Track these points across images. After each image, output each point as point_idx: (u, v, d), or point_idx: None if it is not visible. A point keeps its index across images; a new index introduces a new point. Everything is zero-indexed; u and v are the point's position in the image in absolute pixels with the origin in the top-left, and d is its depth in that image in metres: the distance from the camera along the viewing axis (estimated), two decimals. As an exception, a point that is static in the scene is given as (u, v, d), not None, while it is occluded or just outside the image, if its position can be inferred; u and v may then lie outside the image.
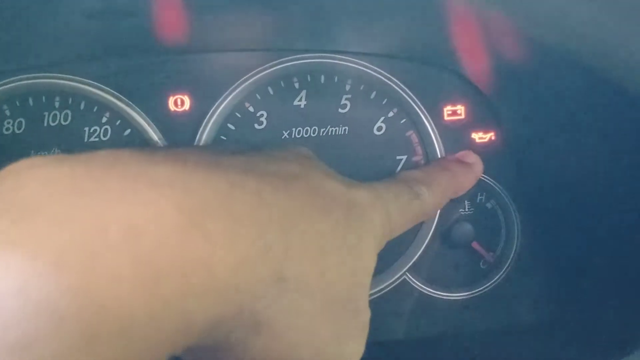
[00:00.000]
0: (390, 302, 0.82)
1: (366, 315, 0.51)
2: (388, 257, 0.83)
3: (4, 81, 0.76)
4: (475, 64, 0.81)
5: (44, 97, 0.77)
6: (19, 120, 0.77)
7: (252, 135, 0.80)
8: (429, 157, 0.82)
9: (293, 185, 0.46)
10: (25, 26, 0.66)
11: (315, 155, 0.58)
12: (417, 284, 0.82)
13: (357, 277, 0.48)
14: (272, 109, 0.80)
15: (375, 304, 0.80)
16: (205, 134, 0.79)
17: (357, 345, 0.50)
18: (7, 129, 0.77)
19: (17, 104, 0.77)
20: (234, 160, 0.46)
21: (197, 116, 0.79)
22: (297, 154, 0.55)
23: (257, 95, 0.80)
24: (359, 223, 0.49)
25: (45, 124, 0.77)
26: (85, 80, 0.77)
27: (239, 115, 0.80)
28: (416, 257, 0.82)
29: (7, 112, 0.77)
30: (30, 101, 0.77)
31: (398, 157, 0.82)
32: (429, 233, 0.82)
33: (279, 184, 0.45)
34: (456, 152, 0.81)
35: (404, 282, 0.82)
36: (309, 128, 0.80)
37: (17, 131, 0.77)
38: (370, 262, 0.50)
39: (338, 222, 0.47)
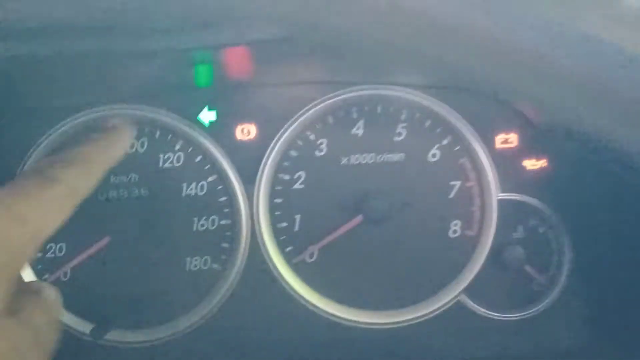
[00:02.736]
0: (444, 323, 0.85)
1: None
2: (442, 278, 0.86)
3: (88, 111, 0.82)
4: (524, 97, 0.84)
5: (121, 126, 0.83)
6: (100, 147, 0.83)
7: (312, 161, 0.85)
8: (482, 183, 0.85)
9: None
10: (114, 65, 0.72)
11: None
12: (472, 305, 0.85)
13: None
14: (332, 136, 0.85)
15: (429, 325, 0.85)
16: (269, 160, 0.84)
17: None
18: (90, 156, 0.83)
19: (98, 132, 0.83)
20: None
21: (262, 144, 0.84)
22: None
23: (317, 124, 0.85)
24: None
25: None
26: (159, 110, 0.83)
27: (300, 143, 0.85)
28: (470, 279, 0.85)
29: (90, 141, 0.83)
30: (111, 130, 0.83)
31: (452, 183, 0.85)
32: (483, 256, 0.85)
33: None
34: (509, 178, 0.84)
35: (458, 303, 0.85)
36: (366, 154, 0.85)
37: (98, 158, 0.83)
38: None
39: None
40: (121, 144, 0.65)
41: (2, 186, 0.46)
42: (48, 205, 0.47)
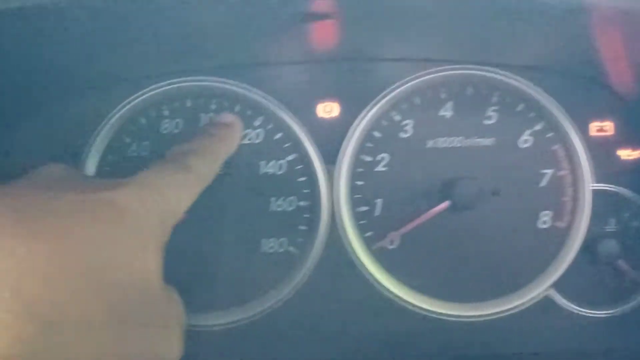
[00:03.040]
0: (531, 318, 0.81)
1: (174, 310, 0.53)
2: (530, 271, 0.81)
3: (165, 82, 0.79)
4: (626, 79, 0.80)
5: (201, 100, 0.80)
6: (176, 120, 0.80)
7: (397, 143, 0.80)
8: (575, 172, 0.81)
9: (40, 233, 0.43)
10: (197, 31, 0.69)
11: (69, 169, 0.55)
12: (560, 300, 0.81)
13: (139, 284, 0.48)
14: (418, 118, 0.81)
15: (517, 319, 0.80)
16: (353, 141, 0.80)
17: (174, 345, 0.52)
18: (165, 129, 0.80)
19: (176, 104, 0.80)
20: None
21: (344, 123, 0.81)
22: (46, 180, 0.52)
23: (403, 104, 0.81)
24: (128, 230, 0.48)
25: (201, 125, 0.79)
26: (241, 84, 0.79)
27: (385, 123, 0.81)
28: (560, 273, 0.80)
29: (166, 112, 0.80)
30: (188, 102, 0.80)
31: (543, 171, 0.81)
32: (573, 249, 0.80)
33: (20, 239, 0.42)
34: (603, 168, 0.80)
35: (547, 298, 0.81)
36: (454, 138, 0.81)
37: (174, 131, 0.80)
38: (152, 264, 0.50)
39: (104, 241, 0.46)
40: (236, 138, 0.74)
41: (143, 169, 0.55)
42: (184, 190, 0.56)
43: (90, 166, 0.79)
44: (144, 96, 0.78)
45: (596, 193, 0.80)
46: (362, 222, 0.81)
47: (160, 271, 0.51)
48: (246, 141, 0.80)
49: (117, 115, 0.78)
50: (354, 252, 0.80)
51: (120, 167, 0.80)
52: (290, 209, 0.81)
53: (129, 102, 0.78)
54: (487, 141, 0.80)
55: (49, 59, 0.68)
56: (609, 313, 0.81)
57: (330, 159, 0.80)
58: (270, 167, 0.80)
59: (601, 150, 0.81)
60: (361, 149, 0.81)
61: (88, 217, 0.47)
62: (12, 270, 0.40)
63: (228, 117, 0.75)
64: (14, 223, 0.43)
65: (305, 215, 0.81)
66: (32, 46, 0.63)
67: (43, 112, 0.78)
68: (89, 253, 0.45)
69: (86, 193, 0.49)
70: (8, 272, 0.40)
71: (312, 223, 0.80)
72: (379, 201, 0.81)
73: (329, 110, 0.81)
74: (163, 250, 0.52)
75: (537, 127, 0.81)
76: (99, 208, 0.48)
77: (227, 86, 0.79)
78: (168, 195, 0.53)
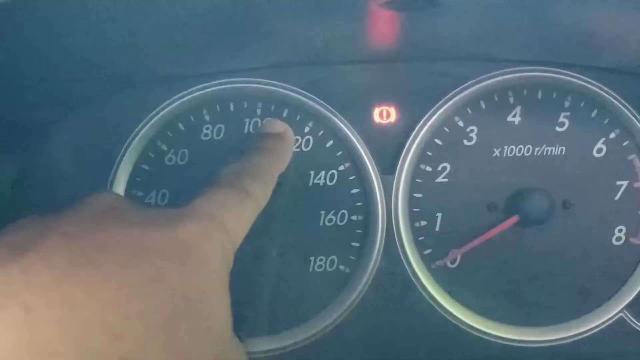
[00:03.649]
0: (604, 342, 0.74)
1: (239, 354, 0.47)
2: (603, 292, 0.75)
3: (207, 84, 0.71)
4: None
5: (245, 103, 0.72)
6: (218, 126, 0.72)
7: (460, 152, 0.73)
8: (653, 185, 0.74)
9: (109, 273, 0.38)
10: (242, 27, 0.61)
11: (120, 198, 0.48)
12: (635, 323, 0.74)
13: (213, 331, 0.42)
14: (484, 124, 0.74)
15: (587, 344, 0.74)
16: (412, 150, 0.73)
17: None
18: (206, 135, 0.72)
19: (218, 108, 0.72)
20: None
21: (403, 129, 0.73)
22: (98, 214, 0.44)
23: (468, 109, 0.73)
24: (195, 268, 0.42)
25: (246, 132, 0.72)
26: (289, 86, 0.71)
27: (447, 130, 0.73)
28: (635, 293, 0.74)
29: (207, 117, 0.72)
30: (232, 106, 0.72)
31: (618, 183, 0.74)
32: (650, 268, 0.74)
33: (90, 279, 0.37)
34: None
35: (620, 321, 0.74)
36: (522, 146, 0.74)
37: (215, 137, 0.72)
38: (223, 305, 0.44)
39: (173, 284, 0.40)
40: (290, 150, 0.65)
41: (201, 193, 0.49)
42: (244, 217, 0.51)
43: (122, 177, 0.71)
44: (182, 99, 0.71)
45: (674, 207, 0.73)
46: (420, 238, 0.74)
47: (230, 316, 0.44)
48: (294, 149, 0.72)
49: (153, 120, 0.70)
50: (412, 271, 0.73)
51: (155, 177, 0.72)
52: (342, 223, 0.73)
53: (166, 106, 0.71)
54: (559, 150, 0.73)
55: (76, 55, 0.60)
56: (686, 338, 0.75)
57: (387, 168, 0.73)
58: (320, 178, 0.73)
59: (681, 160, 0.74)
60: (421, 158, 0.74)
61: (152, 257, 0.40)
62: (73, 321, 0.34)
63: (279, 126, 0.66)
64: (69, 266, 0.36)
65: (357, 231, 0.73)
66: (58, 40, 0.54)
67: (70, 117, 0.70)
68: (157, 299, 0.38)
69: (145, 228, 0.42)
70: (69, 324, 0.33)
71: (366, 239, 0.73)
72: (439, 215, 0.74)
73: (385, 115, 0.73)
74: (228, 291, 0.45)
75: (612, 135, 0.74)
76: (163, 246, 0.41)
77: (274, 88, 0.71)
78: (229, 226, 0.47)
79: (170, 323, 0.39)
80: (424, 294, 0.74)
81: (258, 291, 0.71)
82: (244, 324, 0.71)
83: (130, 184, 0.71)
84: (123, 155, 0.71)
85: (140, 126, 0.71)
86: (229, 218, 0.48)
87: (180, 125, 0.72)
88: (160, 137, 0.72)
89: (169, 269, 0.40)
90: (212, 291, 0.43)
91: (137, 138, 0.71)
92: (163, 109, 0.71)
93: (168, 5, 0.52)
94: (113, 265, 0.38)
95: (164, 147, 0.72)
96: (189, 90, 0.70)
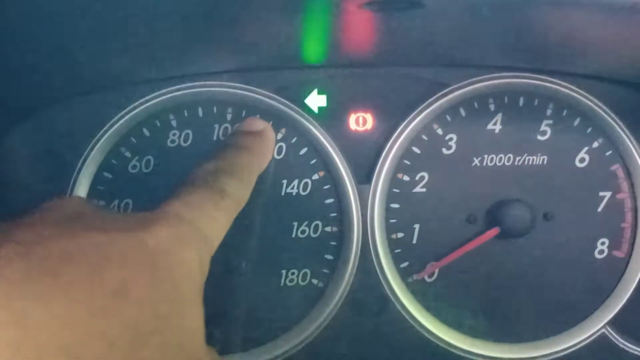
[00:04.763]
0: (586, 359, 0.72)
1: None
2: (585, 307, 0.73)
3: (173, 88, 0.67)
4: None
5: (215, 108, 0.68)
6: (186, 132, 0.68)
7: (438, 161, 0.71)
8: (635, 196, 0.72)
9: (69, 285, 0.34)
10: (210, 30, 0.58)
11: (84, 203, 0.45)
12: (618, 340, 0.72)
13: (185, 346, 0.39)
14: (463, 132, 0.71)
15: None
16: (389, 158, 0.70)
17: None
18: (173, 141, 0.69)
19: (185, 113, 0.68)
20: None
21: (379, 137, 0.71)
22: (60, 220, 0.41)
23: (447, 116, 0.71)
24: (166, 278, 0.39)
25: (215, 138, 0.68)
26: (261, 90, 0.68)
27: (425, 138, 0.71)
28: (617, 309, 0.72)
29: (174, 123, 0.69)
30: (200, 111, 0.68)
31: (601, 194, 0.72)
32: (632, 282, 0.72)
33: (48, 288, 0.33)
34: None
35: (602, 337, 0.72)
36: (502, 156, 0.71)
37: (183, 144, 0.68)
38: (196, 318, 0.41)
39: (140, 297, 0.36)
40: (270, 149, 0.62)
41: (173, 195, 0.46)
42: (221, 219, 0.47)
43: (82, 185, 0.67)
44: (148, 103, 0.67)
45: (659, 220, 0.71)
46: (397, 251, 0.71)
47: (203, 328, 0.41)
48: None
49: (116, 126, 0.67)
50: (388, 285, 0.71)
51: (117, 186, 0.68)
52: (315, 235, 0.70)
53: (130, 110, 0.67)
54: (540, 159, 0.71)
55: (33, 58, 0.56)
56: (670, 354, 0.72)
57: (363, 178, 0.70)
58: (292, 187, 0.70)
59: (665, 172, 0.72)
60: (398, 167, 0.71)
61: (116, 266, 0.36)
62: (26, 342, 0.30)
63: (259, 124, 0.63)
64: (24, 279, 0.32)
65: (332, 243, 0.70)
66: (13, 43, 0.50)
67: (27, 122, 0.65)
68: (122, 315, 0.35)
69: (110, 234, 0.38)
70: (20, 345, 0.30)
71: (340, 252, 0.70)
72: (416, 227, 0.71)
73: (362, 122, 0.70)
74: (202, 301, 0.42)
75: (595, 144, 0.72)
76: (130, 253, 0.37)
77: (245, 92, 0.68)
78: (205, 230, 0.44)
79: (137, 342, 0.35)
80: (400, 309, 0.71)
81: (227, 306, 0.67)
82: (212, 340, 0.67)
83: (91, 193, 0.67)
84: (84, 163, 0.67)
85: (102, 131, 0.67)
86: (205, 221, 0.44)
87: (145, 131, 0.68)
88: (124, 143, 0.68)
89: (136, 280, 0.37)
90: (184, 303, 0.40)
91: (98, 144, 0.67)
92: (127, 113, 0.67)
93: (132, 4, 0.48)
94: (73, 276, 0.34)
95: (128, 154, 0.68)
96: (155, 94, 0.67)
